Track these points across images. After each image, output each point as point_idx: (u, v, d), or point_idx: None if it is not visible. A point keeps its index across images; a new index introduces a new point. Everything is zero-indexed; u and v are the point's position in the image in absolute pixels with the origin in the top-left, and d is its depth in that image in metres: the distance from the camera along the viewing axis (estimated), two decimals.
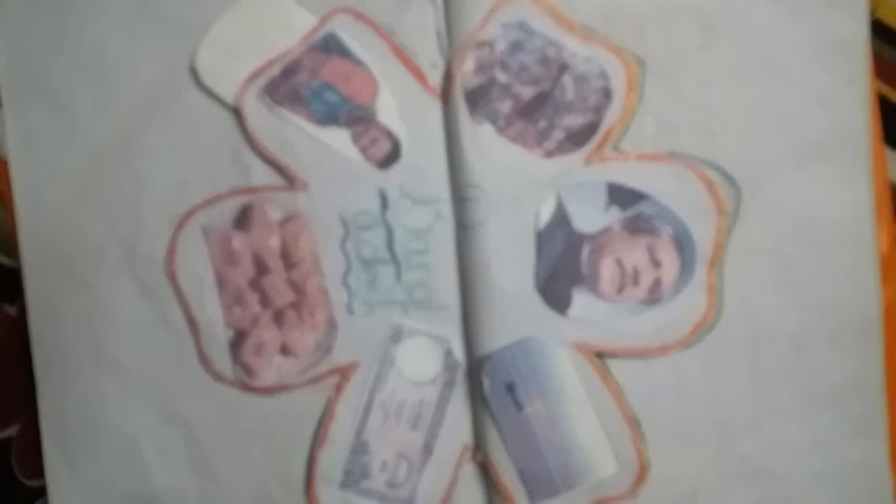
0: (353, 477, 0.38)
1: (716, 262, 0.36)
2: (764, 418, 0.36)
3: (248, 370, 0.38)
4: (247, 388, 0.38)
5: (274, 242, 0.38)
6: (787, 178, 0.35)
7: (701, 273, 0.36)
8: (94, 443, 0.39)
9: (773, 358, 0.36)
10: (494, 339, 0.36)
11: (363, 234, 0.37)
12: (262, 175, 0.38)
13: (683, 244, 0.36)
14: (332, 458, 0.38)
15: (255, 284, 0.38)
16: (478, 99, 0.36)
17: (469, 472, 0.38)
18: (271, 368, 0.38)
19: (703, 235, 0.36)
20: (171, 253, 0.38)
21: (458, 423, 0.38)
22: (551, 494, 0.36)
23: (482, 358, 0.37)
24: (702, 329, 0.36)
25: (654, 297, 0.36)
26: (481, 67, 0.36)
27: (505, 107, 0.36)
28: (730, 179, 0.35)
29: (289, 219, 0.38)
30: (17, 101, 0.39)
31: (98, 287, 0.39)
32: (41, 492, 0.40)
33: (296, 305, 0.38)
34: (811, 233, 0.36)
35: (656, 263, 0.36)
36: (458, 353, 0.38)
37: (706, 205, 0.35)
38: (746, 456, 0.36)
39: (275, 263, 0.38)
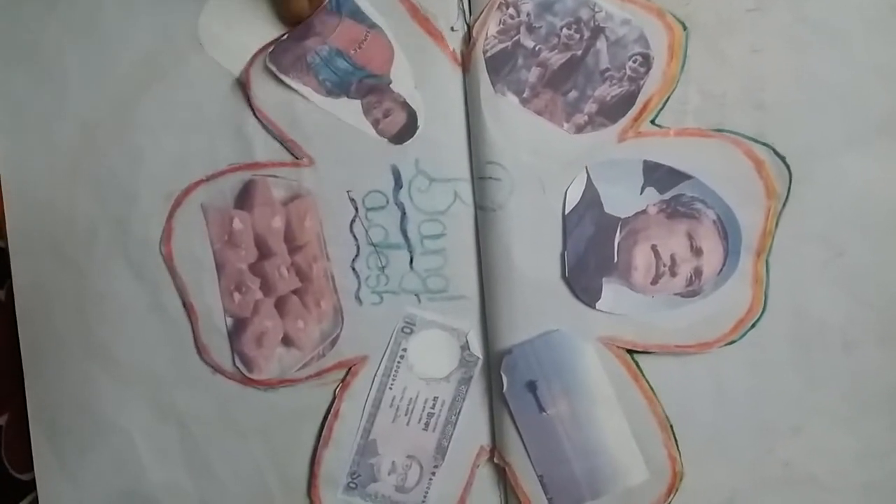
0: (360, 479, 0.37)
1: (763, 251, 0.34)
2: (809, 422, 0.35)
3: (248, 362, 0.37)
4: (246, 381, 0.38)
5: (277, 223, 0.37)
6: (843, 157, 0.34)
7: (746, 263, 0.34)
8: (85, 436, 0.39)
9: (821, 357, 0.35)
10: (515, 332, 0.35)
11: (374, 215, 0.36)
12: (265, 149, 0.37)
13: (728, 230, 0.34)
14: (337, 459, 0.37)
15: (257, 269, 0.37)
16: (501, 66, 0.35)
17: (485, 474, 0.37)
18: (272, 360, 0.37)
19: (750, 221, 0.34)
20: (167, 233, 0.37)
21: (474, 424, 0.37)
22: (575, 502, 0.36)
23: (502, 353, 0.36)
24: (745, 325, 0.35)
25: (693, 288, 0.35)
26: (505, 30, 0.35)
27: (531, 75, 0.35)
28: (780, 158, 0.34)
29: (294, 197, 0.37)
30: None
31: (89, 269, 0.38)
32: (33, 486, 0.39)
33: (300, 292, 0.37)
34: (867, 218, 0.34)
35: (697, 251, 0.35)
36: (476, 347, 0.37)
37: (754, 187, 0.34)
38: (789, 462, 0.35)
39: (278, 246, 0.37)
